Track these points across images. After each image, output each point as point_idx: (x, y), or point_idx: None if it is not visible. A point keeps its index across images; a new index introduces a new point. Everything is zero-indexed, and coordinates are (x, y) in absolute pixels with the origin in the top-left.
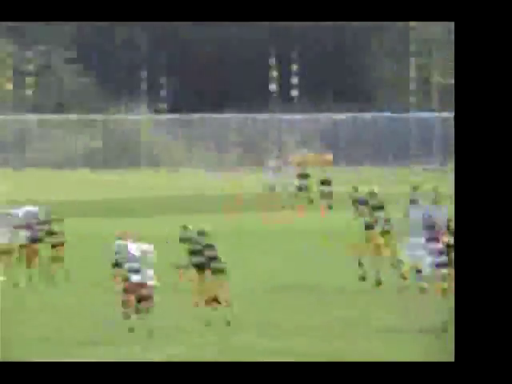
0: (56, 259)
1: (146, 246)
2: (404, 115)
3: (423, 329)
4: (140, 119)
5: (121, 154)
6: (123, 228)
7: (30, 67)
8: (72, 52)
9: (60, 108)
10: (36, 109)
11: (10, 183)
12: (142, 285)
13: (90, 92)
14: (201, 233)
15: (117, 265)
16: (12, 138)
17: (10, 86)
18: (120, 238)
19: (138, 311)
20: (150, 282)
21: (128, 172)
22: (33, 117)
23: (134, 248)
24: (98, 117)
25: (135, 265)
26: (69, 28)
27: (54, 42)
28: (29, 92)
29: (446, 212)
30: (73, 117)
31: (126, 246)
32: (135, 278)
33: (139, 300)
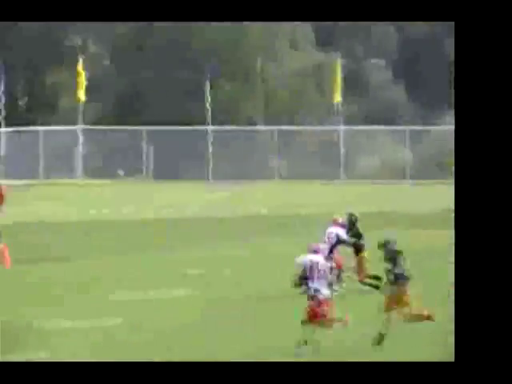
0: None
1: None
2: None
3: None
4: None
5: (430, 166)
6: None
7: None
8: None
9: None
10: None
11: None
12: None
13: (402, 102)
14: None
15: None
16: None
17: (338, 98)
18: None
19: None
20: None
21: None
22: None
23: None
24: (406, 128)
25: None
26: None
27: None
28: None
29: None
30: (381, 128)
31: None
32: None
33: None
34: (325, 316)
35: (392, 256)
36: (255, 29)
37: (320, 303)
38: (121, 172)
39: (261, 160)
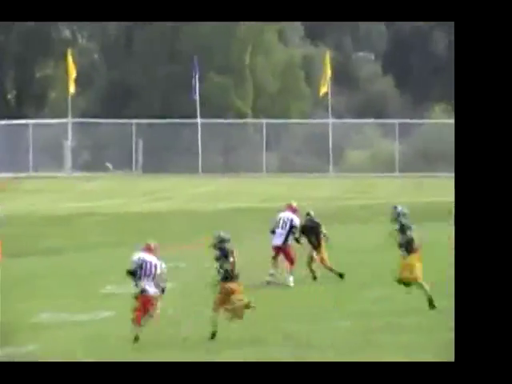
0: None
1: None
2: None
3: None
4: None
5: (419, 159)
6: None
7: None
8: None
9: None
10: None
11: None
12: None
13: (391, 95)
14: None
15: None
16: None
17: (324, 89)
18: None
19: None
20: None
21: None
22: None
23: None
24: (395, 121)
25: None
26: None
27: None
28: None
29: None
30: (370, 121)
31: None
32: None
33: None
34: (151, 315)
35: (223, 254)
36: (244, 22)
37: (147, 302)
38: (109, 165)
39: (250, 153)
